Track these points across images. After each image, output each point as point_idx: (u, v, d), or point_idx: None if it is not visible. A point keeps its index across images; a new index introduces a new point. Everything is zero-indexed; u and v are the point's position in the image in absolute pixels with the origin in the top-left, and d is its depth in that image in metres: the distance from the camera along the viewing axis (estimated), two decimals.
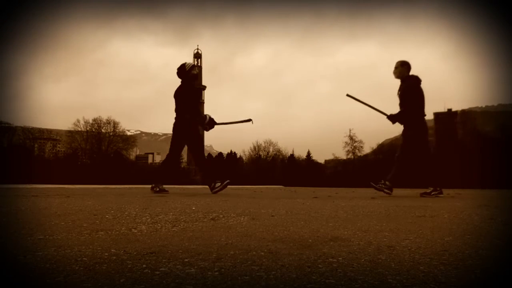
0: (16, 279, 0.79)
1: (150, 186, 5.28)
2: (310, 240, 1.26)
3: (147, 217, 1.90)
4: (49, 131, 59.89)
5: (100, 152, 47.69)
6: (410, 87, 5.09)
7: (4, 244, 1.15)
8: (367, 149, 52.44)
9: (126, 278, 0.78)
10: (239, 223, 1.71)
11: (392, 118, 5.16)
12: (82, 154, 48.53)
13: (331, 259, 0.97)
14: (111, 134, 49.25)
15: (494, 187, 21.42)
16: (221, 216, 2.01)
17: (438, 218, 2.05)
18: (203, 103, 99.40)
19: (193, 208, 2.49)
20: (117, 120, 49.64)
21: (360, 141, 50.08)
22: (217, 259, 0.96)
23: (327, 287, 0.74)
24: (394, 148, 51.43)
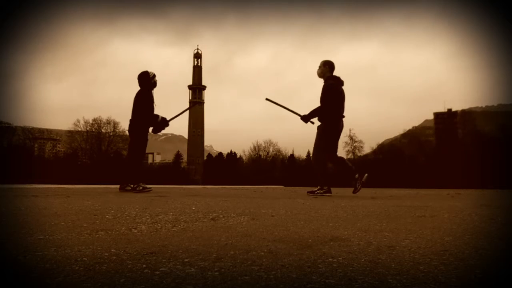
0: (16, 279, 0.79)
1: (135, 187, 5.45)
2: (310, 240, 1.26)
3: (147, 217, 1.90)
4: (49, 131, 59.94)
5: (100, 152, 47.70)
6: (327, 87, 5.14)
7: (4, 244, 1.15)
8: (367, 149, 52.54)
9: (126, 278, 0.78)
10: (239, 223, 1.72)
11: (304, 118, 5.24)
12: (82, 154, 48.55)
13: (331, 259, 0.97)
14: (111, 134, 49.28)
15: (494, 187, 21.42)
16: (221, 216, 2.01)
17: (438, 218, 2.05)
18: (203, 103, 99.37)
19: (193, 208, 2.49)
20: (117, 120, 49.61)
21: (360, 141, 50.17)
22: (217, 259, 0.96)
23: (327, 287, 0.74)
24: (394, 148, 51.54)
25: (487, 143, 39.18)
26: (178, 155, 68.24)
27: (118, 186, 5.86)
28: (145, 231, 1.45)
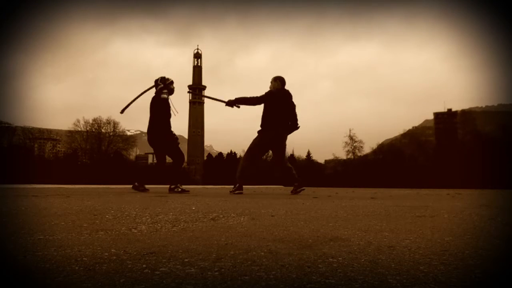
0: (16, 279, 0.79)
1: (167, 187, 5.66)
2: (310, 240, 1.26)
3: (147, 217, 1.90)
4: (49, 131, 59.91)
5: (100, 152, 47.68)
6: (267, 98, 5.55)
7: (4, 244, 1.15)
8: (367, 149, 52.50)
9: (126, 278, 0.78)
10: (239, 223, 1.72)
11: (230, 103, 5.64)
12: (82, 154, 48.53)
13: (331, 259, 0.97)
14: (111, 134, 49.24)
15: (494, 187, 21.42)
16: (221, 216, 2.01)
17: (438, 218, 2.05)
18: (203, 103, 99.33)
19: (193, 208, 2.49)
20: (117, 120, 49.56)
21: (360, 141, 50.12)
22: (217, 259, 0.96)
23: (327, 287, 0.74)
24: (394, 148, 51.47)
25: (487, 143, 39.14)
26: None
27: (118, 186, 5.91)
28: (145, 231, 1.45)
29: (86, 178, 31.59)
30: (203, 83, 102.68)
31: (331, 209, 2.54)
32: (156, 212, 2.16)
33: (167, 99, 5.55)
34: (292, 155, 57.32)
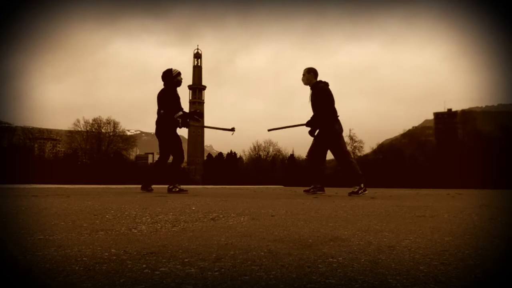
0: (16, 279, 0.79)
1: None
2: (310, 240, 1.26)
3: (147, 217, 1.90)
4: (49, 131, 59.91)
5: (100, 152, 47.68)
6: (320, 92, 5.24)
7: (4, 244, 1.15)
8: (367, 149, 52.53)
9: (126, 278, 0.78)
10: (239, 223, 1.72)
11: (309, 124, 5.30)
12: (82, 154, 48.51)
13: (331, 259, 0.97)
14: (111, 134, 49.24)
15: (494, 187, 21.41)
16: (221, 216, 2.01)
17: (438, 218, 2.05)
18: (203, 103, 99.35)
19: (193, 208, 2.49)
20: (117, 120, 49.63)
21: (360, 141, 50.07)
22: (217, 259, 0.96)
23: (327, 287, 0.74)
24: (394, 148, 51.46)
25: (487, 143, 39.14)
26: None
27: (118, 186, 5.89)
28: (145, 231, 1.45)
29: (86, 178, 31.59)
30: (203, 83, 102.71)
31: (331, 209, 2.54)
32: (156, 212, 2.16)
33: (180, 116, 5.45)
34: (292, 155, 57.33)
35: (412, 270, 0.87)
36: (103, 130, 48.96)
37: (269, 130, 5.99)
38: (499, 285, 0.81)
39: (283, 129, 5.94)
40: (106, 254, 1.01)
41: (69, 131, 48.71)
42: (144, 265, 0.89)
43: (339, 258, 0.99)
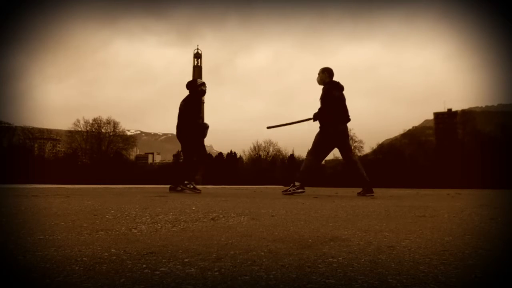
0: (16, 279, 0.79)
1: (168, 186, 5.76)
2: (310, 240, 1.26)
3: (147, 217, 1.90)
4: (49, 131, 59.89)
5: (100, 152, 47.67)
6: (325, 93, 5.28)
7: (4, 244, 1.15)
8: (367, 149, 52.43)
9: (126, 278, 0.78)
10: (239, 223, 1.72)
11: (315, 117, 5.34)
12: (82, 154, 48.50)
13: (331, 259, 0.97)
14: (111, 134, 49.22)
15: (494, 187, 21.40)
16: (221, 216, 2.01)
17: (438, 218, 2.05)
18: (203, 103, 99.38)
19: (193, 208, 2.49)
20: (117, 120, 49.66)
21: (360, 141, 50.04)
22: (217, 259, 0.96)
23: (327, 287, 0.74)
24: (394, 148, 51.46)
25: (487, 143, 39.12)
26: (178, 155, 68.19)
27: (118, 186, 5.92)
28: (145, 231, 1.45)
29: (86, 178, 31.59)
30: None
31: (331, 209, 2.54)
32: (156, 212, 2.16)
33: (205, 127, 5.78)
34: (292, 155, 57.32)
35: (412, 270, 0.87)
36: (103, 130, 48.96)
37: (268, 128, 6.03)
38: (499, 285, 0.81)
39: (282, 127, 5.95)
40: (106, 254, 1.01)
41: (69, 131, 48.69)
42: (144, 265, 0.89)
43: (339, 258, 0.99)
